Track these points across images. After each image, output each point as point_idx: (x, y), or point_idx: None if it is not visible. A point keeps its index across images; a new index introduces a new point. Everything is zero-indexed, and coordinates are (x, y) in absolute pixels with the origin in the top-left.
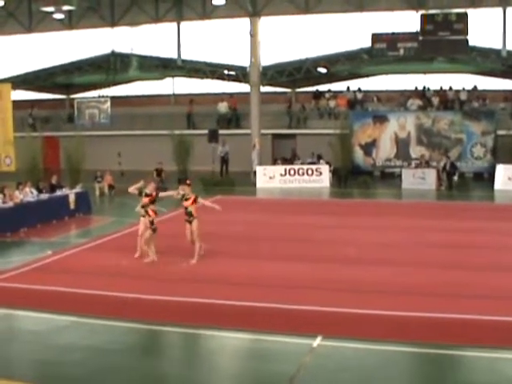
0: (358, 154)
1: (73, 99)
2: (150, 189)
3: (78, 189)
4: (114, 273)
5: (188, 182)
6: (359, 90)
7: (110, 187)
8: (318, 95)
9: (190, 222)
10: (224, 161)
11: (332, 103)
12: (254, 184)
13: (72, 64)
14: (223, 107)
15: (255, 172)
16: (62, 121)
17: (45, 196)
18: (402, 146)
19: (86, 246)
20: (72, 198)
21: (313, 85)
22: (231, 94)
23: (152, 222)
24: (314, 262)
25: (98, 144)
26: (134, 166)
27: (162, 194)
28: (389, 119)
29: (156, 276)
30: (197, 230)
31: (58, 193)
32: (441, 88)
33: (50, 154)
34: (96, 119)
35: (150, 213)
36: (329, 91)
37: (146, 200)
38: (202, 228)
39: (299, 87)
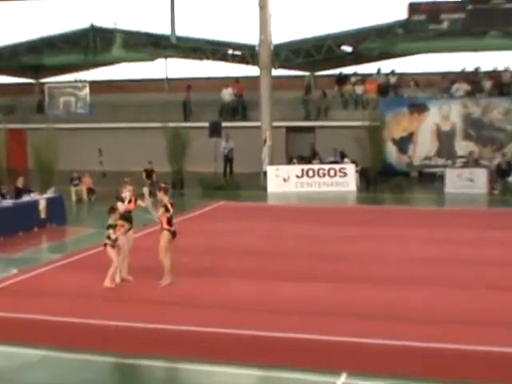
0: (391, 151)
1: (43, 84)
2: (126, 192)
3: (49, 193)
4: (93, 296)
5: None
6: (392, 72)
7: (90, 191)
8: (342, 79)
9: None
10: (228, 159)
11: (359, 89)
12: (265, 188)
13: (42, 41)
14: (227, 94)
15: (265, 173)
16: (29, 110)
17: (8, 202)
18: (445, 140)
19: (60, 263)
20: (42, 205)
21: (336, 67)
22: (237, 79)
23: (110, 238)
24: (337, 281)
25: (75, 139)
26: (118, 165)
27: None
28: (429, 108)
29: (144, 299)
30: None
31: (26, 198)
32: (494, 69)
33: (15, 151)
34: (72, 108)
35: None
36: (355, 74)
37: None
38: (199, 240)
39: (319, 70)
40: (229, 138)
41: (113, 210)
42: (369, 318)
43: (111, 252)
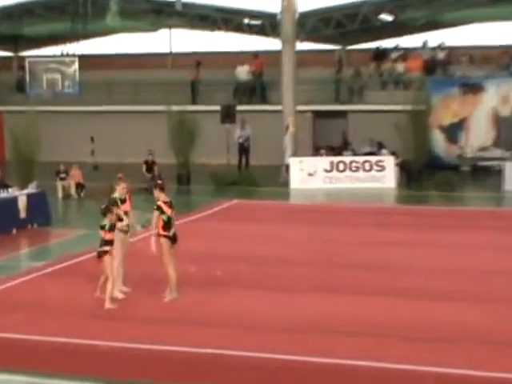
0: (438, 141)
1: (23, 58)
2: (119, 190)
3: (31, 189)
4: (82, 311)
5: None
6: (440, 46)
7: (79, 186)
8: (381, 55)
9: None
10: (243, 149)
11: (400, 66)
12: (286, 184)
13: (21, 6)
14: (243, 73)
15: (288, 166)
16: (7, 89)
17: None
18: (504, 128)
19: (43, 271)
20: (23, 203)
21: (372, 40)
22: (255, 54)
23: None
24: (372, 295)
25: (61, 124)
26: (112, 156)
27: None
28: (485, 89)
29: (142, 315)
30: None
31: (2, 194)
32: None
33: None
34: (58, 88)
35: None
36: (396, 49)
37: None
38: (209, 245)
39: (352, 43)
40: (245, 125)
41: (108, 210)
42: (416, 340)
43: (109, 264)
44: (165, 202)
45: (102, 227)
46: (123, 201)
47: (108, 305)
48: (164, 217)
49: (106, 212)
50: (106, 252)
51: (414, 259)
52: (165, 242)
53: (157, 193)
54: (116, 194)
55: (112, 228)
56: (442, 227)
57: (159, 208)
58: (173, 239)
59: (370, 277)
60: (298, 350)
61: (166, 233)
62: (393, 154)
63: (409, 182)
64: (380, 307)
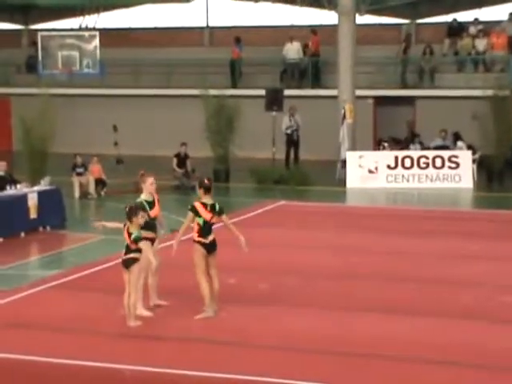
0: None
1: (34, 32)
2: (146, 190)
3: (42, 185)
4: (100, 328)
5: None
6: None
7: (99, 183)
8: (457, 30)
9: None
10: (292, 142)
11: (481, 43)
12: (342, 182)
13: None
14: (293, 51)
15: (344, 162)
16: (15, 69)
17: None
18: None
19: (55, 282)
20: (33, 201)
21: (447, 12)
22: (312, 29)
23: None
24: (451, 316)
25: (79, 110)
26: (139, 148)
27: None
28: None
29: (173, 335)
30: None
31: (9, 191)
32: None
33: None
34: (75, 67)
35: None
36: (475, 22)
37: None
38: (250, 254)
39: (423, 16)
40: (294, 113)
41: (134, 214)
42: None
43: (137, 274)
44: (203, 204)
45: (130, 235)
46: (152, 204)
47: (131, 322)
48: (200, 220)
49: (131, 216)
50: (134, 260)
51: (497, 274)
52: (199, 249)
53: (200, 192)
54: (142, 196)
55: (137, 240)
56: None
57: (193, 209)
58: (209, 247)
59: (442, 295)
60: (355, 378)
61: (201, 239)
62: (470, 148)
63: (489, 181)
64: (458, 331)
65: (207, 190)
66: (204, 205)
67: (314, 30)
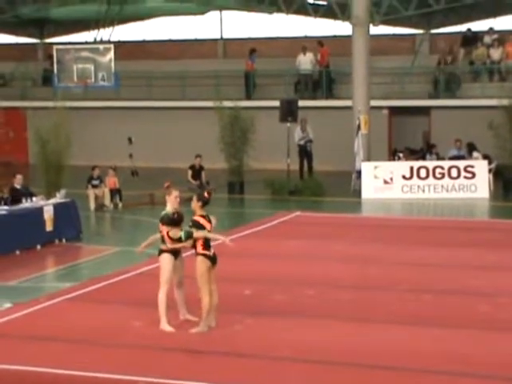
0: None
1: (50, 45)
2: (172, 201)
3: (58, 198)
4: (116, 340)
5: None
6: None
7: (115, 195)
8: (472, 39)
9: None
10: (305, 153)
11: (496, 53)
12: (358, 193)
13: None
14: (306, 62)
15: (359, 172)
16: (31, 82)
17: (1, 209)
18: None
19: (71, 294)
20: (49, 214)
21: (462, 22)
22: (319, 41)
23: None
24: (469, 327)
25: (95, 123)
26: (154, 160)
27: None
28: None
29: (182, 347)
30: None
31: (26, 204)
32: None
33: (12, 139)
34: (90, 80)
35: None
36: (490, 31)
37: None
38: (266, 265)
39: (438, 26)
40: (306, 124)
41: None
42: None
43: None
44: (202, 216)
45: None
46: (177, 216)
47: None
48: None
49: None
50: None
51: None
52: (205, 262)
53: (196, 205)
54: (168, 208)
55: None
56: None
57: (197, 224)
58: (213, 260)
59: (460, 306)
60: None
61: (206, 252)
62: (485, 157)
63: (505, 191)
64: (477, 342)
65: (205, 204)
66: (203, 217)
67: (320, 41)
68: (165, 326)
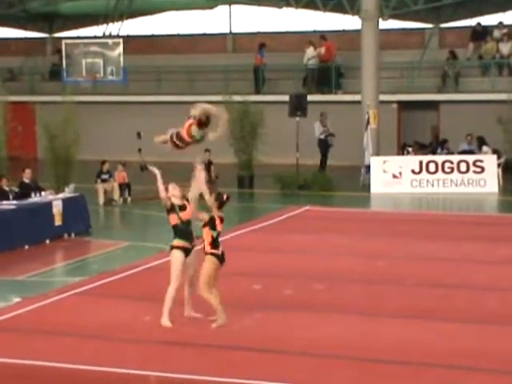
0: None
1: (59, 40)
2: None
3: (67, 192)
4: (125, 334)
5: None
6: None
7: (124, 188)
8: (481, 34)
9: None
10: (326, 147)
11: (505, 47)
12: (367, 187)
13: None
14: (315, 56)
15: (368, 167)
16: (39, 76)
17: (10, 204)
18: None
19: (80, 289)
20: (58, 208)
21: (471, 16)
22: (322, 35)
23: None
24: (478, 322)
25: (103, 117)
26: (163, 154)
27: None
28: None
29: (194, 342)
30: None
31: (34, 198)
32: None
33: (21, 133)
34: (99, 75)
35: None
36: (500, 26)
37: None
38: (276, 259)
39: (447, 20)
40: (326, 119)
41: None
42: None
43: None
44: (220, 218)
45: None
46: (183, 208)
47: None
48: (214, 233)
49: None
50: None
51: None
52: (214, 261)
53: (213, 204)
54: (174, 200)
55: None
56: None
57: (212, 221)
58: (221, 259)
59: (469, 300)
60: None
61: (214, 251)
62: (495, 152)
63: None
64: (485, 337)
65: (222, 206)
66: (221, 219)
67: (323, 35)
68: (165, 322)
